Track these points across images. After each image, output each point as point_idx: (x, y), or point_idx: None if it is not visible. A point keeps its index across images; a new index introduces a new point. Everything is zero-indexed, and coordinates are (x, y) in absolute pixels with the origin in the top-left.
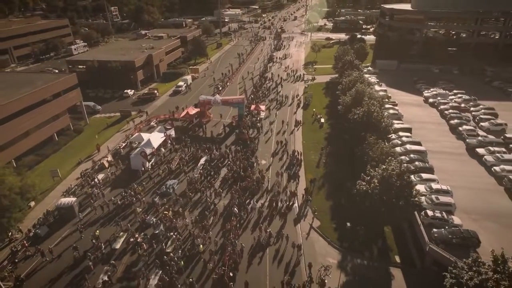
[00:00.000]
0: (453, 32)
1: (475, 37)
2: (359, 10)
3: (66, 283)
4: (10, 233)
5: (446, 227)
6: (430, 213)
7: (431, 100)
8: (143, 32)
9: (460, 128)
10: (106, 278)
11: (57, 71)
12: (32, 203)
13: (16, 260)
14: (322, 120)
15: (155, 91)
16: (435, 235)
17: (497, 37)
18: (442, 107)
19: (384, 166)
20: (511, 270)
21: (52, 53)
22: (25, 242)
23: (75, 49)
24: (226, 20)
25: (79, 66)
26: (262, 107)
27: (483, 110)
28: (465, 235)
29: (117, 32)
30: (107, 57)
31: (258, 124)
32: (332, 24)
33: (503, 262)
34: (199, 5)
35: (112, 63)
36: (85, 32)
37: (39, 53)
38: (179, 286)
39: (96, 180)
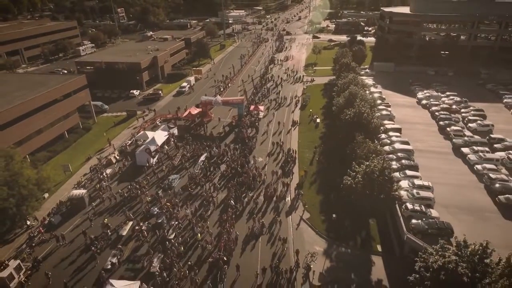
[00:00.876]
0: (454, 34)
1: (472, 40)
2: (362, 12)
3: (78, 264)
4: (28, 221)
5: (424, 219)
6: (410, 206)
7: (423, 101)
8: (148, 34)
9: (448, 129)
10: (114, 260)
11: (66, 71)
12: (46, 195)
13: (33, 244)
14: (318, 120)
15: (160, 92)
16: (413, 226)
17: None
18: (433, 108)
19: (367, 163)
20: (468, 253)
21: (61, 54)
22: (41, 228)
23: (83, 50)
24: (230, 21)
25: (87, 67)
26: (261, 108)
27: (472, 112)
28: (440, 226)
29: (123, 33)
30: (114, 59)
31: (257, 123)
32: (334, 25)
33: (464, 247)
34: (203, 6)
35: (119, 64)
36: (93, 33)
37: (48, 54)
38: (175, 270)
39: (104, 174)
